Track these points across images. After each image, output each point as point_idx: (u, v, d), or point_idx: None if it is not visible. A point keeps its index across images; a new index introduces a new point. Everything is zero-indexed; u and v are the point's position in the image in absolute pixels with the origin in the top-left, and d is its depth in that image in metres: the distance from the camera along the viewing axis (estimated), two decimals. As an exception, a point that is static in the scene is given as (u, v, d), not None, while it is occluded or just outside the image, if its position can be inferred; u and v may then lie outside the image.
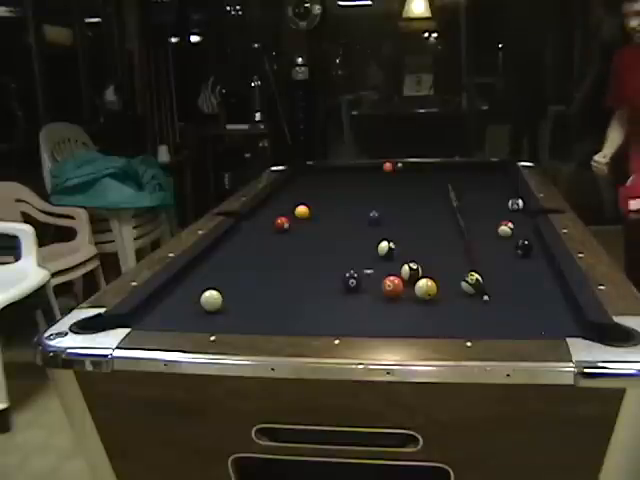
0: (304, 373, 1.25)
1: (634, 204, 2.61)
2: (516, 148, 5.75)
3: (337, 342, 1.30)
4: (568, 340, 1.25)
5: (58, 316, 2.84)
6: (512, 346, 1.26)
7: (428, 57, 6.03)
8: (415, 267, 1.65)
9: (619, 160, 2.83)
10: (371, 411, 1.26)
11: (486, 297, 1.53)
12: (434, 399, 1.24)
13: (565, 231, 2.00)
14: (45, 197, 3.90)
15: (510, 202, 2.38)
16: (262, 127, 5.42)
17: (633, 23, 2.70)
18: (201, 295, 1.53)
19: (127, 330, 1.38)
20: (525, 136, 5.84)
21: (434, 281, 1.56)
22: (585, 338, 1.26)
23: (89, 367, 1.31)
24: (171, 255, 1.91)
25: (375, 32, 6.04)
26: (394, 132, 5.57)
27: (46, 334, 1.38)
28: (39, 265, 3.08)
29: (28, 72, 4.54)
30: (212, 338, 1.33)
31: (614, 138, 2.86)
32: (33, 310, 3.06)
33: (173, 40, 5.88)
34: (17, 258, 3.12)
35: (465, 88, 5.84)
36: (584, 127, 5.59)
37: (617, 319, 1.33)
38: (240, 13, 6.08)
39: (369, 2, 6.13)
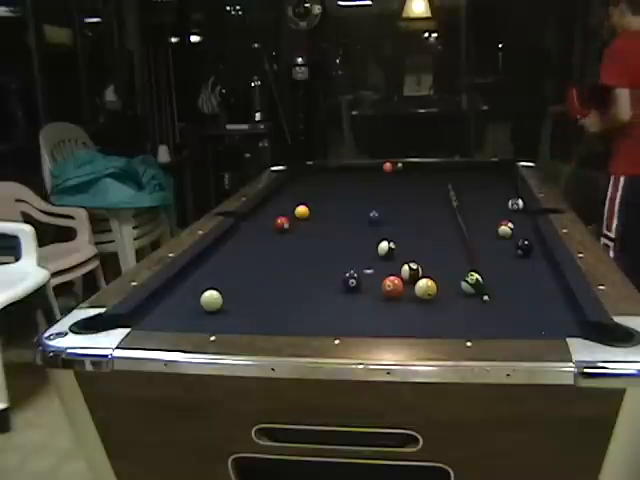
0: (304, 373, 1.25)
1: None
2: (515, 148, 5.75)
3: (337, 342, 1.30)
4: (568, 340, 1.25)
5: (58, 316, 2.84)
6: (512, 346, 1.26)
7: (428, 57, 6.04)
8: (415, 267, 1.65)
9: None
10: (371, 411, 1.26)
11: (486, 297, 1.53)
12: (434, 399, 1.24)
13: (565, 231, 2.00)
14: (45, 197, 3.90)
15: (510, 202, 2.38)
16: (262, 127, 5.42)
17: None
18: (201, 295, 1.53)
19: (127, 330, 1.38)
20: (525, 136, 5.84)
21: (434, 281, 1.56)
22: (585, 338, 1.26)
23: (89, 367, 1.31)
24: (171, 255, 1.91)
25: (375, 32, 6.05)
26: (394, 132, 5.57)
27: (46, 334, 1.38)
28: (39, 265, 3.08)
29: (28, 72, 4.54)
30: (212, 338, 1.33)
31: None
32: (33, 310, 3.06)
33: (173, 40, 5.88)
34: (17, 258, 3.12)
35: (465, 88, 5.84)
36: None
37: (617, 319, 1.33)
38: (240, 13, 6.08)
39: (369, 2, 6.13)
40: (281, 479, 1.47)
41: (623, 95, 2.92)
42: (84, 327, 1.40)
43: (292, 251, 2.08)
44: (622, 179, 3.03)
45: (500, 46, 5.92)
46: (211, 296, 1.53)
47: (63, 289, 3.46)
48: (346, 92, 6.06)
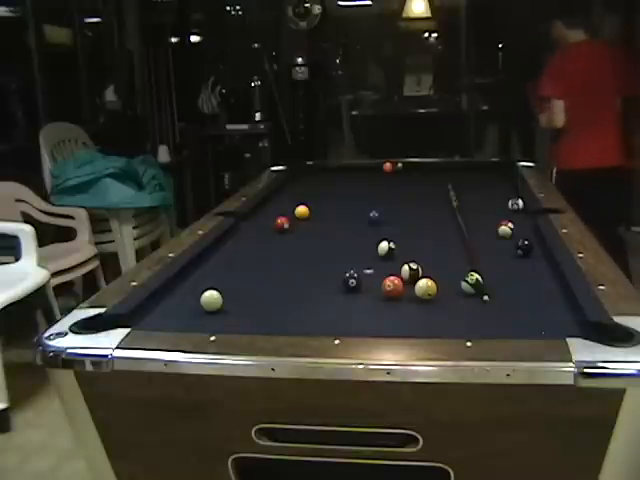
0: (304, 373, 1.25)
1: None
2: (515, 148, 5.75)
3: (337, 342, 1.30)
4: (568, 340, 1.25)
5: (58, 316, 2.84)
6: (512, 346, 1.26)
7: (428, 57, 6.04)
8: (415, 267, 1.65)
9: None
10: (371, 411, 1.26)
11: (486, 297, 1.53)
12: (434, 399, 1.24)
13: (565, 231, 2.00)
14: (45, 197, 3.91)
15: (510, 202, 2.38)
16: (262, 127, 5.43)
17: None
18: (201, 295, 1.53)
19: (127, 330, 1.38)
20: (525, 136, 5.84)
21: (434, 281, 1.56)
22: (585, 338, 1.26)
23: (89, 367, 1.31)
24: (171, 255, 1.91)
25: (375, 32, 6.05)
26: (394, 132, 5.58)
27: (46, 334, 1.37)
28: (39, 265, 3.08)
29: (28, 72, 4.54)
30: (212, 338, 1.33)
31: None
32: (33, 310, 3.06)
33: (173, 40, 5.89)
34: (17, 258, 3.12)
35: (465, 88, 5.84)
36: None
37: (617, 319, 1.33)
38: (240, 13, 6.08)
39: (369, 2, 6.13)
40: (281, 479, 1.47)
41: (558, 105, 3.36)
42: (84, 327, 1.40)
43: (292, 251, 2.08)
44: (554, 171, 3.53)
45: (500, 46, 5.92)
46: (211, 296, 1.53)
47: (63, 289, 3.46)
48: (346, 92, 6.06)
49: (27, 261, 3.09)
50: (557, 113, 3.35)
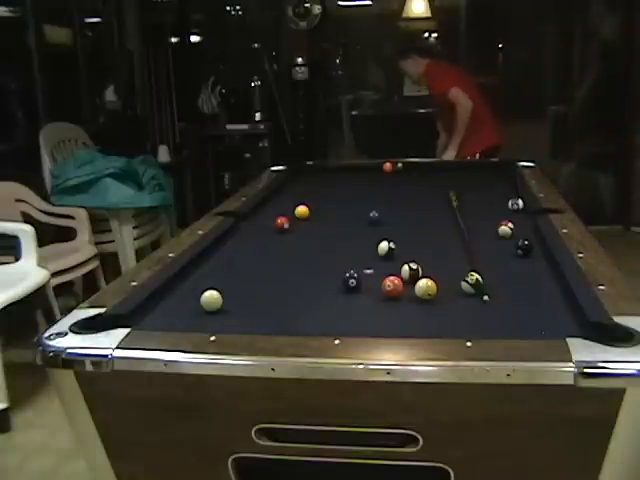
0: (304, 373, 1.25)
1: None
2: (515, 148, 5.74)
3: (337, 342, 1.30)
4: (568, 340, 1.25)
5: (58, 316, 2.84)
6: (512, 346, 1.26)
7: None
8: (415, 267, 1.65)
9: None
10: (371, 411, 1.26)
11: (486, 297, 1.53)
12: (434, 399, 1.24)
13: (565, 231, 2.00)
14: (45, 197, 3.91)
15: (510, 202, 2.38)
16: (262, 127, 5.42)
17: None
18: (201, 295, 1.53)
19: (127, 330, 1.38)
20: (525, 136, 5.83)
21: (434, 281, 1.56)
22: (585, 338, 1.26)
23: (89, 367, 1.31)
24: (171, 255, 1.90)
25: (375, 32, 6.04)
26: (394, 132, 5.57)
27: (46, 334, 1.37)
28: (39, 265, 3.08)
29: (28, 72, 4.54)
30: (212, 338, 1.33)
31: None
32: (33, 310, 3.06)
33: (173, 40, 5.89)
34: (17, 258, 3.12)
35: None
36: (584, 127, 5.59)
37: (617, 319, 1.33)
38: (240, 13, 6.08)
39: (369, 2, 6.13)
40: (281, 479, 1.47)
41: (459, 91, 3.89)
42: (84, 327, 1.40)
43: (292, 251, 2.08)
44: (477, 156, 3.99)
45: (500, 46, 5.92)
46: (211, 296, 1.53)
47: (63, 289, 3.46)
48: (346, 92, 6.06)
49: (27, 261, 3.09)
50: (461, 97, 3.88)
